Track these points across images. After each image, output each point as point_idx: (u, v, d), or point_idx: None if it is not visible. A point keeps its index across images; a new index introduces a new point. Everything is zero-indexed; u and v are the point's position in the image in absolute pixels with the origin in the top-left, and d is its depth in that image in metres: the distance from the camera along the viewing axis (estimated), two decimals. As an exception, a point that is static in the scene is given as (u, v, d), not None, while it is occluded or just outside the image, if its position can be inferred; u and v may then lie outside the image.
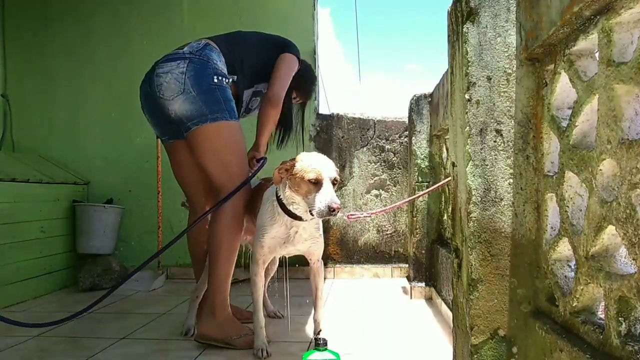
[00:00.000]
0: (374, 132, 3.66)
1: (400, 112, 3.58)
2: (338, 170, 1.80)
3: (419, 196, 2.03)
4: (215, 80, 1.92)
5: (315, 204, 1.61)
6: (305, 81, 2.46)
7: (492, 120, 1.25)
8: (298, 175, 1.66)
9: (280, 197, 1.77)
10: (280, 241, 1.85)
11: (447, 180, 1.70)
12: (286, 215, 1.79)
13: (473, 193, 1.24)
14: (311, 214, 1.66)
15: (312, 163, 1.67)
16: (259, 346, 1.86)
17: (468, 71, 1.25)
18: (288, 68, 2.23)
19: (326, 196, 1.60)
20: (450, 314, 1.96)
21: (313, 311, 2.00)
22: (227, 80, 1.99)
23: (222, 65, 2.00)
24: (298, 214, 1.76)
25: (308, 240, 1.88)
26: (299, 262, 2.38)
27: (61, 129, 3.73)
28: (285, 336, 2.13)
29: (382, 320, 2.42)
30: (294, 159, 1.74)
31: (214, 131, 1.92)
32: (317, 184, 1.64)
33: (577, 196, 1.07)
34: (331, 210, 1.58)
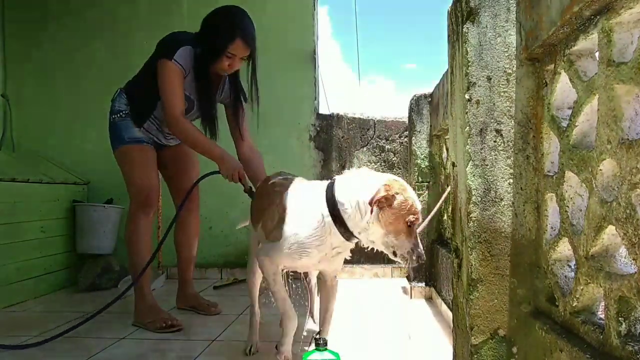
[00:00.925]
0: (374, 132, 3.66)
1: (400, 112, 3.58)
2: None
3: (436, 208, 1.88)
4: (111, 120, 2.39)
5: (404, 249, 1.42)
6: (212, 38, 2.16)
7: (492, 120, 1.25)
8: (396, 211, 1.41)
9: (348, 215, 1.47)
10: (316, 261, 1.60)
11: (448, 190, 1.65)
12: (339, 237, 1.51)
13: (473, 193, 1.24)
14: (394, 254, 1.46)
15: (415, 202, 1.43)
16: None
17: (468, 71, 1.25)
18: (161, 78, 2.18)
19: (419, 246, 1.42)
20: (450, 314, 1.96)
21: (318, 329, 1.77)
22: (118, 116, 2.36)
23: (119, 104, 2.38)
24: (356, 235, 1.50)
25: (342, 258, 1.65)
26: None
27: (61, 129, 3.72)
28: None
29: (382, 320, 2.42)
30: (390, 186, 1.43)
31: (116, 158, 2.41)
32: (411, 226, 1.42)
33: (577, 196, 1.07)
34: (418, 261, 1.42)
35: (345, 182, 1.53)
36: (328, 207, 1.50)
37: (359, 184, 1.49)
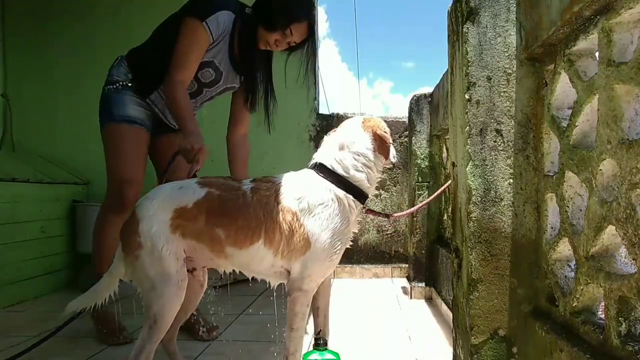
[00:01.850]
0: (374, 132, 3.65)
1: (400, 112, 3.58)
2: None
3: (431, 199, 1.92)
4: (105, 91, 2.07)
5: (392, 154, 1.54)
6: (276, 8, 1.89)
7: (492, 120, 1.25)
8: (385, 139, 1.50)
9: (364, 181, 1.47)
10: (342, 253, 1.48)
11: (448, 183, 1.68)
12: (355, 210, 1.47)
13: (473, 193, 1.24)
14: (393, 165, 1.58)
15: (380, 122, 1.55)
16: None
17: (468, 71, 1.25)
18: (181, 36, 1.88)
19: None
20: (450, 314, 1.96)
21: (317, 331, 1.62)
22: (114, 87, 2.06)
23: (117, 73, 2.08)
24: (368, 191, 1.50)
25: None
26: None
27: (61, 128, 3.73)
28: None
29: (382, 320, 2.42)
30: (372, 126, 1.51)
31: (103, 136, 2.07)
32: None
33: (577, 196, 1.07)
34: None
35: (330, 158, 1.49)
36: (342, 188, 1.44)
37: (345, 150, 1.48)
